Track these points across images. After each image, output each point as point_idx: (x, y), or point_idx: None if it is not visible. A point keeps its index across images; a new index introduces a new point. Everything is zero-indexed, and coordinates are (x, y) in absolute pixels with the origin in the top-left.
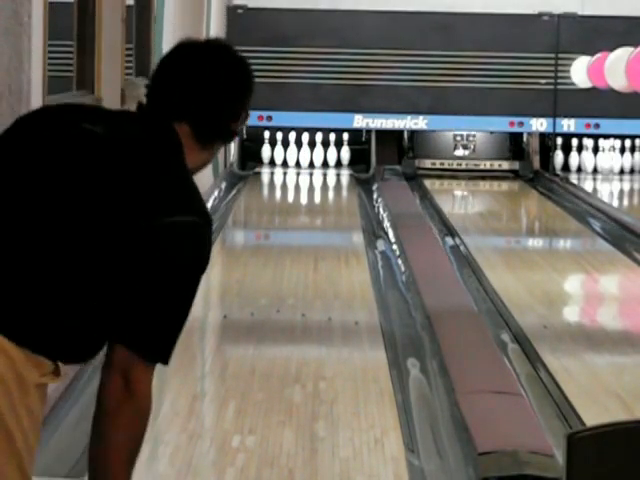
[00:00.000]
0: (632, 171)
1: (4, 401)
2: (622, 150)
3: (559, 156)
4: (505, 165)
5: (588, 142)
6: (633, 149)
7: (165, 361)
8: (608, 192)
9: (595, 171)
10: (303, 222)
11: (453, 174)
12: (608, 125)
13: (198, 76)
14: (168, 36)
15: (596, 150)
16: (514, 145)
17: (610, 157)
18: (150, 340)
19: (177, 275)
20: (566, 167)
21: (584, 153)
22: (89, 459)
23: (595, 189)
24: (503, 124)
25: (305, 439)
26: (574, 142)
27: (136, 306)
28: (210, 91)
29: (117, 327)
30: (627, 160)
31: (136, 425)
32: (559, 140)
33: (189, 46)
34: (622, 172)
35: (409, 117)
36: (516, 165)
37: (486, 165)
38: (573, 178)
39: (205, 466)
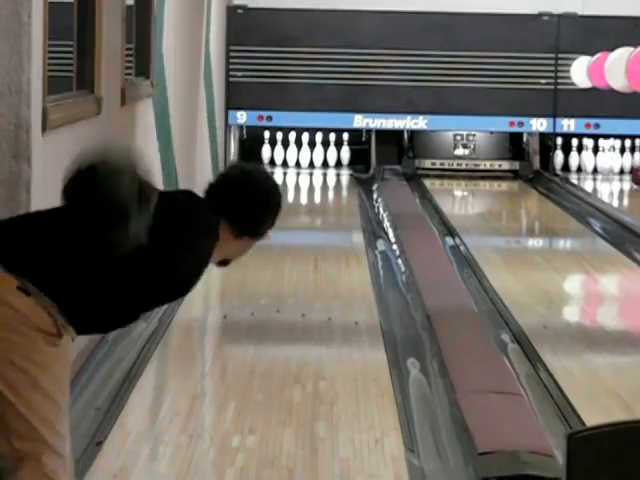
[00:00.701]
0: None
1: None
2: (622, 150)
3: (559, 156)
4: (505, 165)
5: (588, 142)
6: (633, 149)
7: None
8: (608, 192)
9: (595, 171)
10: (303, 222)
11: (453, 174)
12: (608, 125)
13: (244, 196)
14: (168, 36)
15: (596, 150)
16: (514, 145)
17: (610, 157)
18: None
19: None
20: (566, 167)
21: (584, 153)
22: None
23: (595, 189)
24: (503, 124)
25: (305, 439)
26: (574, 142)
27: None
28: (251, 208)
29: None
30: (627, 160)
31: None
32: (559, 140)
33: (243, 171)
34: (622, 172)
35: (409, 117)
36: (516, 165)
37: (486, 165)
38: (573, 178)
39: (205, 466)
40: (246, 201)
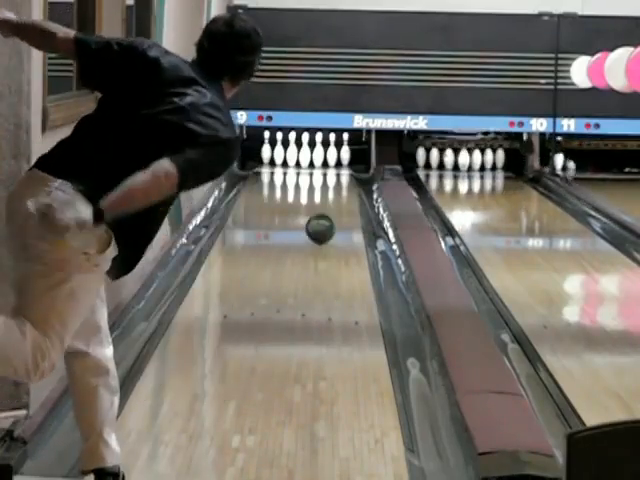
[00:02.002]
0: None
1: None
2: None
3: (559, 156)
4: (505, 144)
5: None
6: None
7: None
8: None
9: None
10: (303, 222)
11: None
12: (608, 125)
13: (237, 47)
14: (168, 36)
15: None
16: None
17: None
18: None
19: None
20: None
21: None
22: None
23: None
24: (503, 124)
25: (305, 439)
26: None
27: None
28: (243, 56)
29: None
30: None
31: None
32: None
33: (227, 23)
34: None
35: (409, 117)
36: (516, 144)
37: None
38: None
39: (205, 466)
40: (240, 56)
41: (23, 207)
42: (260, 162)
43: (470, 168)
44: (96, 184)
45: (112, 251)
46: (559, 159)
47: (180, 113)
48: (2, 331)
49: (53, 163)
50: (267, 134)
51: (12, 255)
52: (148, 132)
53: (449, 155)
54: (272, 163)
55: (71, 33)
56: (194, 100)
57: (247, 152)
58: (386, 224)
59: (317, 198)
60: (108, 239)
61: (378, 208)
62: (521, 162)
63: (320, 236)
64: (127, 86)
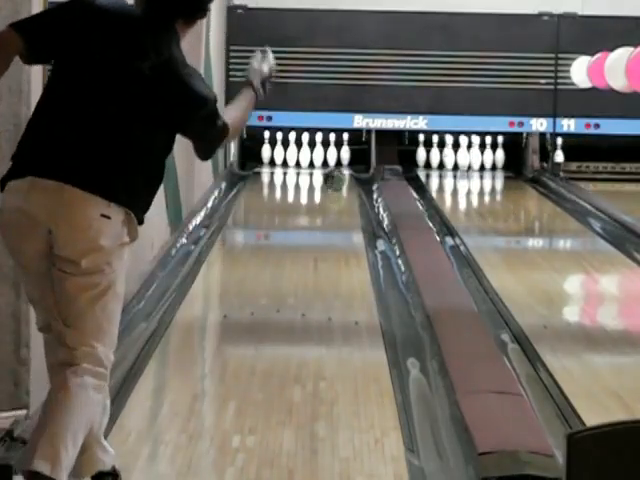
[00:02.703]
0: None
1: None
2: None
3: (559, 156)
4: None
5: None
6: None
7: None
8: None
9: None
10: (303, 222)
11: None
12: (608, 125)
13: None
14: None
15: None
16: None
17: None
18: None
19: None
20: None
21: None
22: None
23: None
24: (503, 124)
25: (305, 439)
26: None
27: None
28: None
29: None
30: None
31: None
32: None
33: None
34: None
35: (409, 117)
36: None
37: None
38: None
39: (205, 466)
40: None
41: (41, 226)
42: (260, 162)
43: (470, 168)
44: (100, 158)
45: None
46: (559, 159)
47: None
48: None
49: (46, 162)
50: (267, 134)
51: (28, 271)
52: (126, 101)
53: (449, 155)
54: (272, 163)
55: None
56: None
57: (247, 152)
58: (386, 224)
59: (317, 198)
60: (137, 222)
61: (378, 208)
62: (521, 162)
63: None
64: (82, 49)
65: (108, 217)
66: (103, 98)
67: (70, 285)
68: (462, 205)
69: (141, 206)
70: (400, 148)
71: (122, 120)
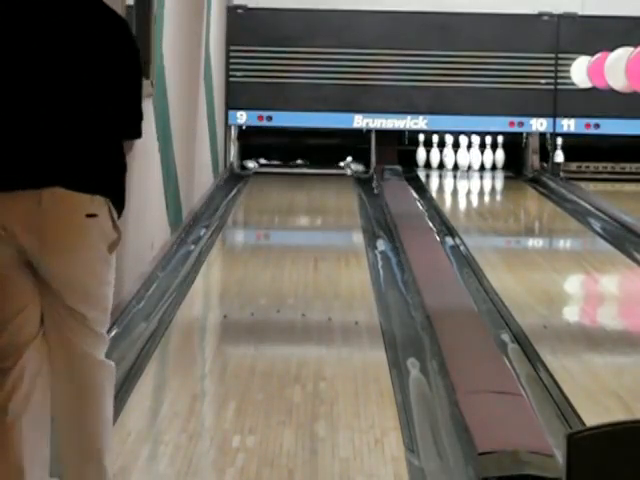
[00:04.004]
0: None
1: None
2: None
3: (559, 156)
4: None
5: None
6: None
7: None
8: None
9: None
10: (303, 222)
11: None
12: (608, 125)
13: None
14: (168, 36)
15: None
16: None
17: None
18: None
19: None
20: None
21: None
22: None
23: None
24: (503, 124)
25: (305, 439)
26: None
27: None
28: None
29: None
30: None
31: None
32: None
33: None
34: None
35: (409, 117)
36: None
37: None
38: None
39: (205, 466)
40: None
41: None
42: (260, 162)
43: (470, 168)
44: (49, 150)
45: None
46: (559, 159)
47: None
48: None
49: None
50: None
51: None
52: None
53: (449, 155)
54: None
55: None
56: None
57: (247, 152)
58: (386, 224)
59: (317, 198)
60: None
61: (378, 208)
62: (521, 162)
63: None
64: None
65: (94, 215)
66: (29, 92)
67: (77, 339)
68: (462, 205)
69: (119, 194)
70: (400, 148)
71: (60, 104)
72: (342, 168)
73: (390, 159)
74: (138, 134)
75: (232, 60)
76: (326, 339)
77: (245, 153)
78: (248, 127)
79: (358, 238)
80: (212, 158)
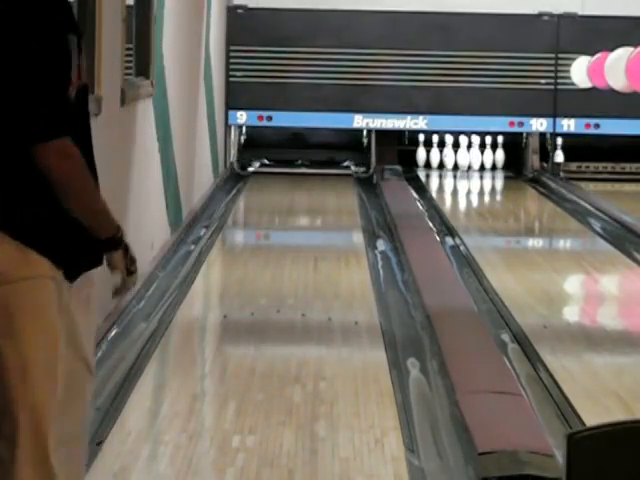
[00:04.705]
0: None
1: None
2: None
3: (559, 156)
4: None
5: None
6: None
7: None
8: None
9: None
10: (303, 222)
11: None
12: (608, 125)
13: None
14: (168, 36)
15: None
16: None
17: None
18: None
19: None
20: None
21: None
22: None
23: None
24: (503, 124)
25: (305, 439)
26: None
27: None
28: None
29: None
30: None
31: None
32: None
33: None
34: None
35: (409, 117)
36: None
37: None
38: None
39: (205, 466)
40: None
41: None
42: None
43: (470, 168)
44: None
45: None
46: (559, 159)
47: None
48: None
49: None
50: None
51: None
52: None
53: (449, 155)
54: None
55: None
56: None
57: (247, 152)
58: (386, 224)
59: (317, 198)
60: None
61: (378, 208)
62: (521, 162)
63: None
64: None
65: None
66: None
67: None
68: (462, 205)
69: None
70: (400, 148)
71: None
72: (343, 168)
73: (390, 159)
74: (53, 131)
75: (232, 60)
76: (326, 339)
77: (245, 153)
78: (248, 127)
79: (358, 238)
80: (212, 158)
